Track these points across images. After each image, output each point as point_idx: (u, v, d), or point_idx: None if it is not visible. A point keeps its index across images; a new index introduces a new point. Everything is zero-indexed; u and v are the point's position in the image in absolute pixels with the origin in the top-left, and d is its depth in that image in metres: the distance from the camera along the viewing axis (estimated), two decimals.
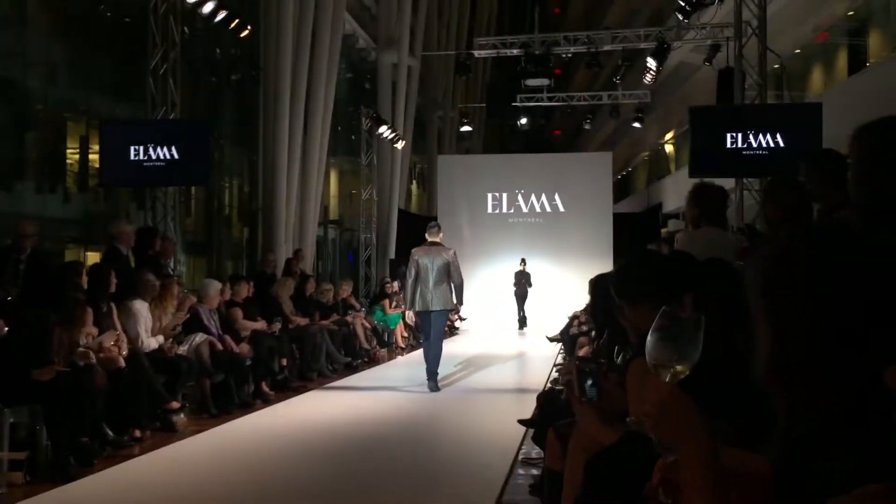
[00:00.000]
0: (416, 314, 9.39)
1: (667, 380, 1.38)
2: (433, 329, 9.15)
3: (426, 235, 9.27)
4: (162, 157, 9.90)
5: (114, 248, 7.83)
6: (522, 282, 18.28)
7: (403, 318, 14.48)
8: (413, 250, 9.30)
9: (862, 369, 1.14)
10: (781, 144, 9.62)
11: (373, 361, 12.06)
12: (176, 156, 9.90)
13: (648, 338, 1.40)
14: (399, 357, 13.22)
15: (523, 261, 18.24)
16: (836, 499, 0.98)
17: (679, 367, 1.38)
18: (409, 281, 9.11)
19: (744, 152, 9.72)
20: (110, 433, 5.87)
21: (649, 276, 2.88)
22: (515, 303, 18.35)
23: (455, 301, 9.23)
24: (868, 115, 2.69)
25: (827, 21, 18.51)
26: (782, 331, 1.19)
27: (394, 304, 14.31)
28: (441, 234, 9.32)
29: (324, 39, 15.06)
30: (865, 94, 13.25)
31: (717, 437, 1.33)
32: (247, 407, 7.88)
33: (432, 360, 9.13)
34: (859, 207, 2.55)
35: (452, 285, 9.06)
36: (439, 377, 9.31)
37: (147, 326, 6.89)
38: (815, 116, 9.58)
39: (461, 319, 17.59)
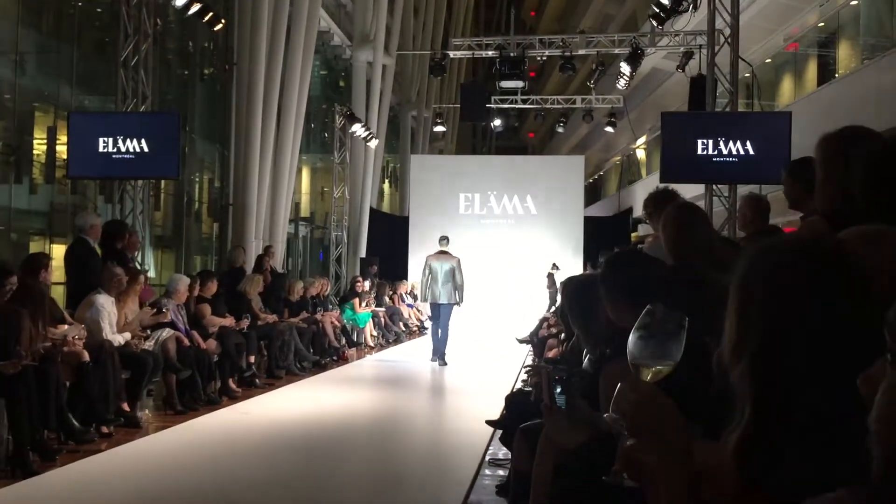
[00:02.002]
0: (430, 305, 12.15)
1: (647, 379, 1.37)
2: (442, 317, 11.70)
3: (438, 245, 12.02)
4: (131, 149, 9.77)
5: (82, 240, 7.71)
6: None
7: (373, 317, 14.52)
8: (427, 256, 12.01)
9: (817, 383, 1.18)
10: (751, 152, 9.74)
11: (342, 360, 12.01)
12: (145, 149, 9.78)
13: (630, 336, 1.39)
14: (368, 356, 13.18)
15: (555, 265, 17.71)
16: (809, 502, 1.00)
17: (660, 367, 1.37)
18: (423, 279, 11.89)
19: (714, 159, 9.82)
20: (76, 423, 5.78)
21: (634, 276, 2.90)
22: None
23: (457, 297, 11.72)
24: (836, 124, 2.73)
25: (797, 31, 18.77)
26: (742, 341, 1.27)
27: (364, 303, 14.26)
28: (449, 245, 11.97)
29: (299, 35, 14.98)
30: (834, 104, 13.45)
31: (692, 437, 1.34)
32: (213, 404, 7.80)
33: (442, 341, 11.67)
34: (823, 214, 2.58)
35: (456, 285, 11.66)
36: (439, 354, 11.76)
37: (111, 321, 6.79)
38: (785, 125, 9.71)
39: (430, 319, 17.55)
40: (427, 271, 11.79)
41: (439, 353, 11.70)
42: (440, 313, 11.75)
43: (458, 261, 11.82)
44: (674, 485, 1.26)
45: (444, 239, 12.04)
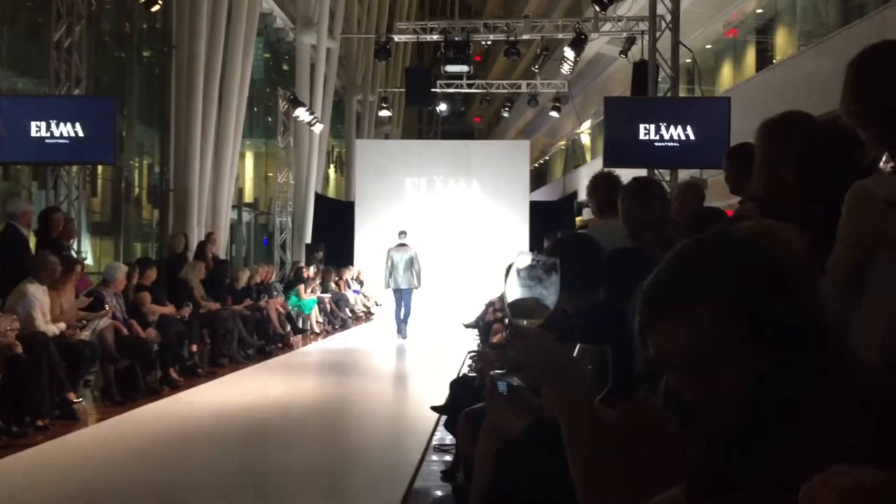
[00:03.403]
0: (393, 290, 13.59)
1: (525, 324, 1.41)
2: (405, 300, 13.45)
3: (398, 238, 13.67)
4: (65, 134, 9.49)
5: (12, 227, 7.47)
6: None
7: (319, 303, 14.41)
8: (388, 249, 13.55)
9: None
10: (692, 137, 9.87)
11: (287, 347, 11.89)
12: (80, 133, 9.51)
13: (507, 282, 1.44)
14: (314, 343, 13.08)
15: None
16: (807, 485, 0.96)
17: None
18: (386, 269, 13.43)
19: (656, 144, 9.92)
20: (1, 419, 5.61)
21: (578, 260, 2.91)
22: None
23: (416, 282, 13.44)
24: (774, 109, 2.76)
25: (737, 17, 19.09)
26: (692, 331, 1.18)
27: (309, 289, 14.13)
28: (407, 237, 13.64)
29: (240, 17, 14.69)
30: (772, 89, 13.72)
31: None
32: (154, 394, 7.65)
33: (405, 318, 13.45)
34: (758, 200, 2.61)
35: (414, 272, 13.33)
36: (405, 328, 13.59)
37: (45, 311, 6.58)
38: (724, 110, 9.85)
39: (377, 305, 17.54)
40: (389, 262, 13.38)
41: (402, 330, 13.44)
42: (402, 297, 13.44)
43: (416, 252, 13.54)
44: (572, 412, 1.28)
45: (402, 233, 13.76)
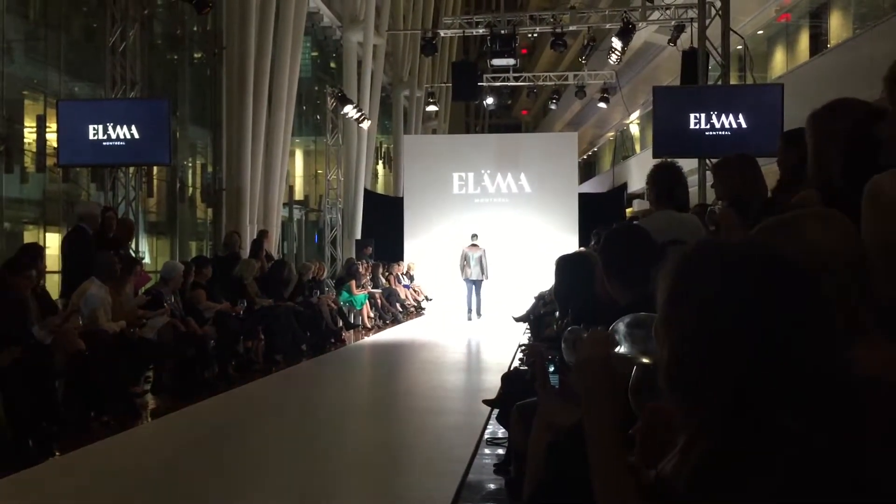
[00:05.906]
0: (465, 280, 16.29)
1: (628, 366, 1.43)
2: (476, 289, 16.20)
3: (471, 239, 16.33)
4: (121, 136, 9.74)
5: (80, 229, 7.68)
6: None
7: (370, 298, 14.54)
8: (463, 249, 16.30)
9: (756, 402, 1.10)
10: (744, 125, 9.72)
11: (339, 342, 12.02)
12: (136, 135, 9.75)
13: (622, 323, 1.45)
14: (366, 338, 13.21)
15: None
16: None
17: (644, 359, 1.43)
18: (460, 264, 16.28)
19: (707, 133, 9.79)
20: (68, 413, 5.78)
21: (621, 252, 2.91)
22: None
23: (485, 276, 16.17)
24: (828, 95, 2.71)
25: (789, 2, 18.67)
26: (678, 346, 1.16)
27: (360, 284, 14.26)
28: (478, 238, 16.35)
29: (288, 17, 14.87)
30: (826, 75, 13.41)
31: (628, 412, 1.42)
32: (211, 389, 7.79)
33: (478, 304, 16.14)
34: (816, 188, 2.56)
35: (483, 266, 16.18)
36: (464, 313, 16.13)
37: (107, 309, 6.77)
38: (777, 97, 9.68)
39: (427, 299, 17.64)
40: (463, 258, 16.27)
41: (475, 312, 16.02)
42: (474, 286, 16.20)
43: (485, 250, 16.28)
44: (595, 439, 1.33)
45: (475, 235, 16.39)
